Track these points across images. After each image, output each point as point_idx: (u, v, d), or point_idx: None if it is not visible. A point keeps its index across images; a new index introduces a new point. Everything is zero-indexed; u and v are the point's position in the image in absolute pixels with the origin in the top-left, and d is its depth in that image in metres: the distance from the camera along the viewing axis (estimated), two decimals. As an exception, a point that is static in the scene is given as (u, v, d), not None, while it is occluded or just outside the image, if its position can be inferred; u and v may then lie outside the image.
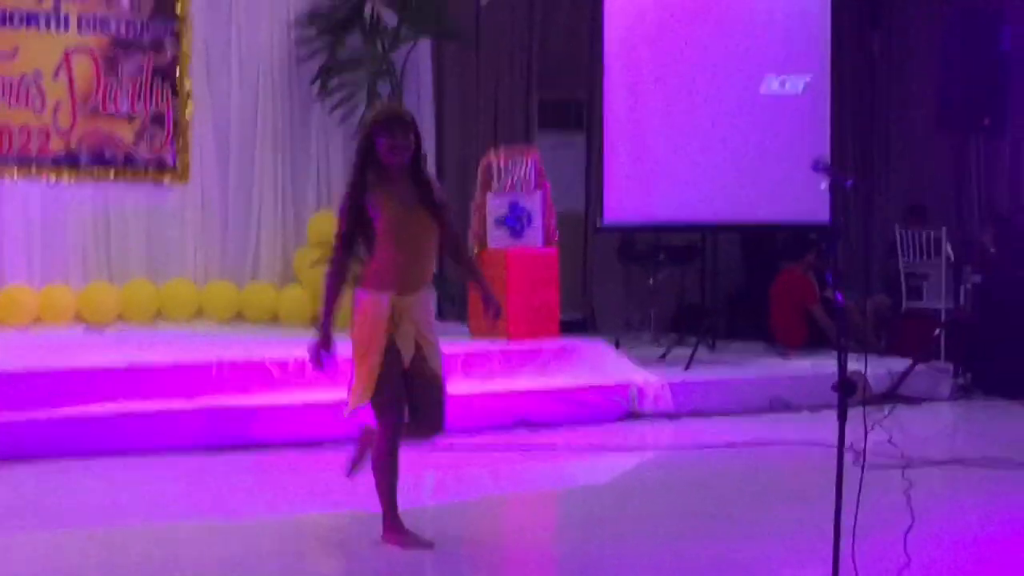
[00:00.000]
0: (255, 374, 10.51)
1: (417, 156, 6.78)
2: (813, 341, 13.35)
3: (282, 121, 13.86)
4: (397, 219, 6.70)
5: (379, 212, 6.70)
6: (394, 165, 6.70)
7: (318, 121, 13.92)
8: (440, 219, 6.81)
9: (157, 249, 13.38)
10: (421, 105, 14.22)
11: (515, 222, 12.10)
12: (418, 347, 6.77)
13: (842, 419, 5.62)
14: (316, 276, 12.88)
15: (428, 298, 6.92)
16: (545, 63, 15.43)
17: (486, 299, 7.05)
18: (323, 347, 6.86)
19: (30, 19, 12.86)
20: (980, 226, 15.24)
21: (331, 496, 8.44)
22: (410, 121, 6.76)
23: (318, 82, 13.63)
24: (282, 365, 10.60)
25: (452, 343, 11.51)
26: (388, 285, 6.73)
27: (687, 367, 12.25)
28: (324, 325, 6.87)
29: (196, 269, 13.60)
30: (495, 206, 12.10)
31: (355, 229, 6.77)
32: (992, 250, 14.08)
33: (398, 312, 6.72)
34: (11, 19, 12.79)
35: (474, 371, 11.21)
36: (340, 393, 10.28)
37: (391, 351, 6.72)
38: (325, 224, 13.27)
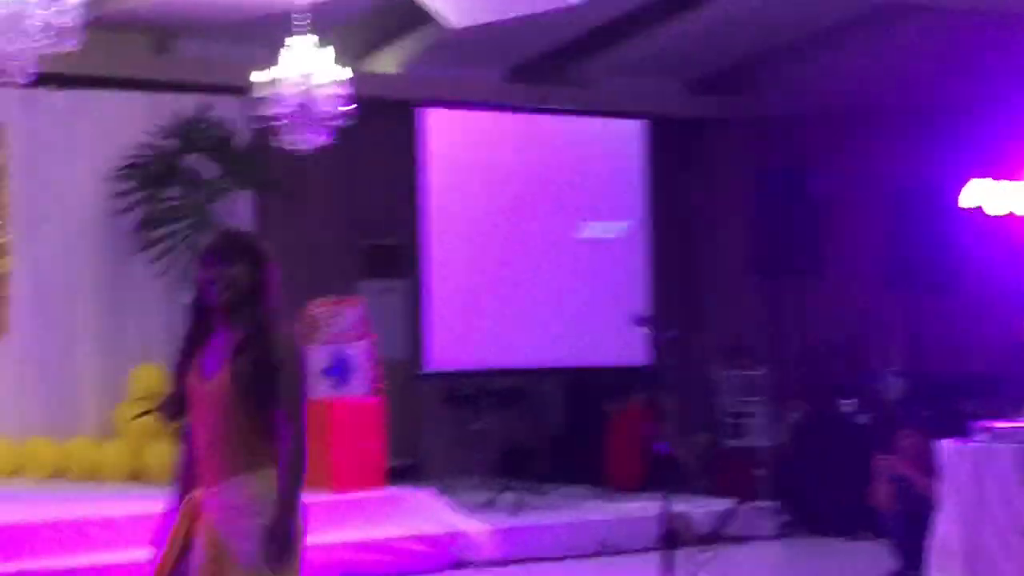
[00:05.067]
0: (74, 533, 10.31)
1: (241, 292, 5.13)
2: (649, 479, 13.41)
3: (102, 272, 13.73)
4: (197, 387, 5.17)
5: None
6: (211, 306, 5.19)
7: (139, 272, 13.78)
8: (249, 388, 5.06)
9: (-26, 406, 13.13)
10: (243, 256, 14.16)
11: (339, 372, 12.08)
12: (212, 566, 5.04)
13: (669, 571, 5.69)
14: (137, 430, 12.81)
15: (235, 491, 5.07)
16: (366, 210, 15.49)
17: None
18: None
19: None
20: (797, 365, 15.51)
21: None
22: (236, 245, 5.27)
23: (139, 234, 13.55)
24: (103, 523, 10.41)
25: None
26: (186, 479, 5.28)
27: (515, 512, 12.25)
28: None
29: (15, 424, 13.33)
30: (318, 357, 12.09)
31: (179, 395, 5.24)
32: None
33: (196, 514, 5.18)
34: None
35: (298, 524, 11.07)
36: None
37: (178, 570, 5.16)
38: (148, 377, 13.18)
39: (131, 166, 13.64)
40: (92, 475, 13.17)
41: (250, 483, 5.04)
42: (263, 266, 5.21)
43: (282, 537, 5.00)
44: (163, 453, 12.77)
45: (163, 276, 13.60)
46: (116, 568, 10.01)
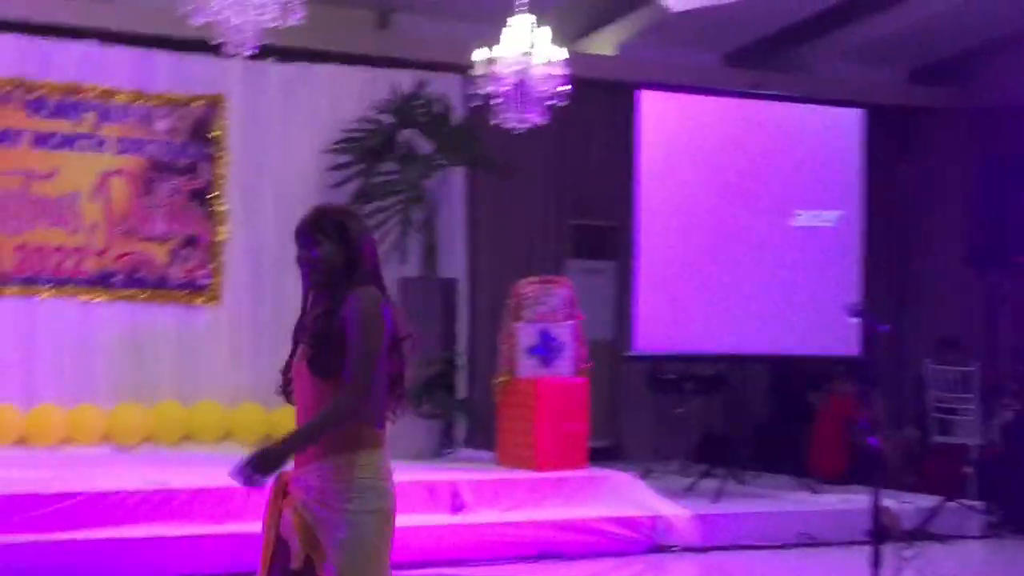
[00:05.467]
0: (282, 499, 10.43)
1: (332, 272, 4.96)
2: (852, 472, 13.24)
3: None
4: (293, 362, 5.08)
5: None
6: (306, 285, 5.10)
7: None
8: (312, 356, 4.90)
9: (187, 370, 13.39)
10: (454, 232, 14.32)
11: (545, 351, 12.10)
12: (310, 548, 4.88)
13: (876, 566, 5.58)
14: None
15: (326, 473, 4.85)
16: (578, 191, 15.51)
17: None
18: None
19: (69, 141, 13.02)
20: (1012, 362, 15.17)
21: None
22: (319, 224, 5.01)
23: (353, 207, 13.71)
24: (309, 491, 10.53)
25: (479, 471, 11.52)
26: None
27: (716, 500, 12.17)
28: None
29: (226, 391, 13.60)
30: (526, 335, 12.11)
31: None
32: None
33: (283, 490, 5.02)
34: (50, 141, 12.93)
35: (501, 500, 11.16)
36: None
37: (277, 545, 5.02)
38: (355, 349, 13.31)
39: (348, 140, 13.82)
40: (299, 443, 13.35)
41: (337, 466, 4.83)
42: (353, 243, 4.98)
43: (266, 460, 4.78)
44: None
45: (376, 249, 13.76)
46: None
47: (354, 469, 4.83)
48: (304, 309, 5.07)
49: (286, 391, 5.11)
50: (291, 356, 5.07)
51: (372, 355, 4.84)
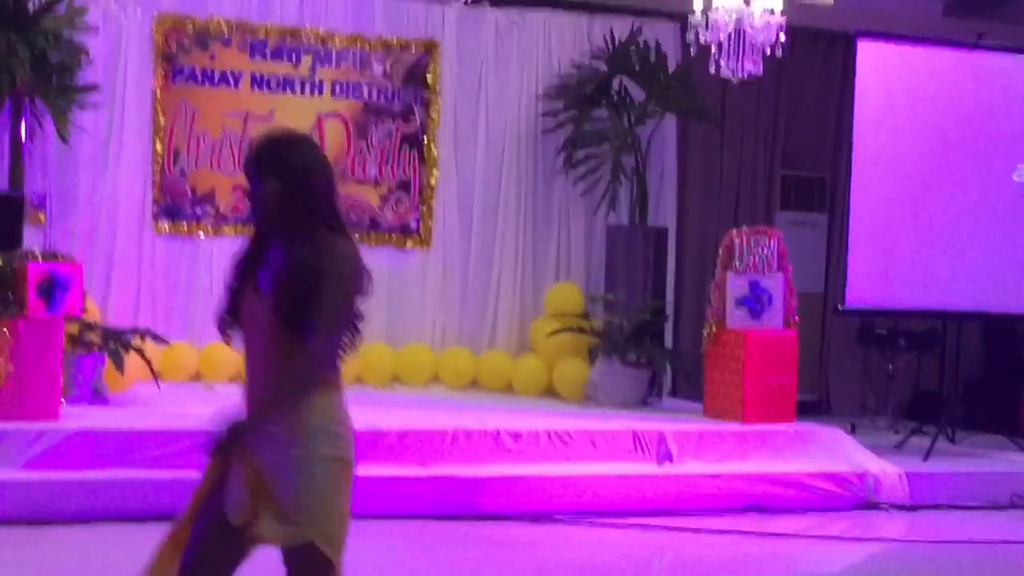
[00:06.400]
0: (488, 443, 10.54)
1: (275, 212, 4.63)
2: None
3: (525, 191, 13.95)
4: (244, 306, 4.72)
5: None
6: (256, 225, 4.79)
7: (560, 192, 14.00)
8: (282, 311, 4.54)
9: (396, 313, 13.53)
10: (664, 181, 14.25)
11: (755, 303, 11.97)
12: (253, 513, 4.60)
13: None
14: (552, 347, 13.04)
15: (279, 418, 4.57)
16: (789, 141, 15.31)
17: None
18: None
19: (286, 84, 13.20)
20: None
21: (564, 571, 8.40)
22: (263, 159, 4.63)
23: (563, 154, 13.71)
24: (515, 436, 10.62)
25: (685, 422, 11.48)
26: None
27: (926, 458, 11.98)
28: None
29: (434, 335, 13.72)
30: (735, 286, 12.00)
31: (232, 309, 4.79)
32: None
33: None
34: (268, 83, 13.13)
35: (706, 452, 11.11)
36: (576, 467, 10.42)
37: (211, 504, 4.69)
38: (563, 296, 13.39)
39: (561, 86, 13.81)
40: (506, 388, 13.46)
41: (293, 414, 4.56)
42: (299, 179, 4.61)
43: (235, 437, 4.56)
44: (576, 371, 12.98)
45: (585, 197, 13.77)
46: (526, 480, 10.20)
47: (304, 412, 4.55)
48: (249, 248, 4.74)
49: (226, 330, 4.77)
50: (232, 295, 4.73)
51: (340, 317, 4.59)
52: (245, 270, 4.71)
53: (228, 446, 4.57)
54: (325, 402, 4.61)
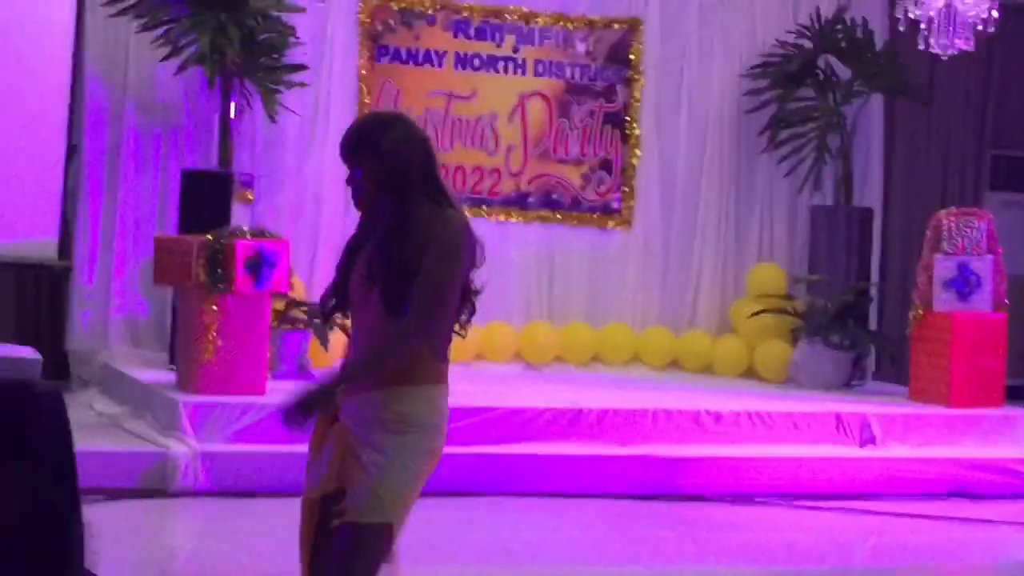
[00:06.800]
0: (688, 424, 10.50)
1: (374, 193, 4.65)
2: None
3: (727, 171, 13.83)
4: (351, 287, 4.71)
5: None
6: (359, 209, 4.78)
7: (763, 172, 13.85)
8: (380, 287, 4.54)
9: (597, 293, 13.51)
10: (870, 161, 14.02)
11: (963, 285, 11.73)
12: (341, 478, 4.62)
13: None
14: (753, 328, 12.93)
15: (379, 404, 4.56)
16: (1000, 120, 14.98)
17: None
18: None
19: (489, 63, 13.25)
20: None
21: (764, 553, 8.33)
22: (355, 144, 4.69)
23: (767, 133, 13.55)
24: (716, 416, 10.56)
25: (890, 405, 11.32)
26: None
27: None
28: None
29: (634, 314, 13.68)
30: (943, 268, 11.76)
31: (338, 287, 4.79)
32: None
33: (333, 417, 4.72)
34: (471, 63, 13.20)
35: (912, 436, 10.93)
36: (777, 448, 10.34)
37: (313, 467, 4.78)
38: (765, 276, 13.26)
39: (765, 64, 13.65)
40: (706, 368, 13.37)
41: (390, 398, 4.54)
42: (392, 157, 4.59)
43: (311, 402, 4.58)
44: (778, 352, 12.85)
45: (789, 176, 13.61)
46: (727, 461, 10.16)
47: (412, 403, 4.55)
48: (358, 231, 4.72)
49: (330, 314, 4.81)
50: (340, 278, 4.71)
51: (444, 288, 4.53)
52: (355, 251, 4.69)
53: (310, 407, 4.58)
54: (434, 395, 4.60)
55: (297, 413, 4.60)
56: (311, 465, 4.75)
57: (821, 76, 13.44)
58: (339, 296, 4.72)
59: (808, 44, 13.49)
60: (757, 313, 12.91)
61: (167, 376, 10.70)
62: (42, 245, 12.18)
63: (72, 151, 12.25)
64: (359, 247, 4.68)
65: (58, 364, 11.71)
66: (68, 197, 12.28)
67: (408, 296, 4.48)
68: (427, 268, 4.48)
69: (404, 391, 4.54)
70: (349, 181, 4.68)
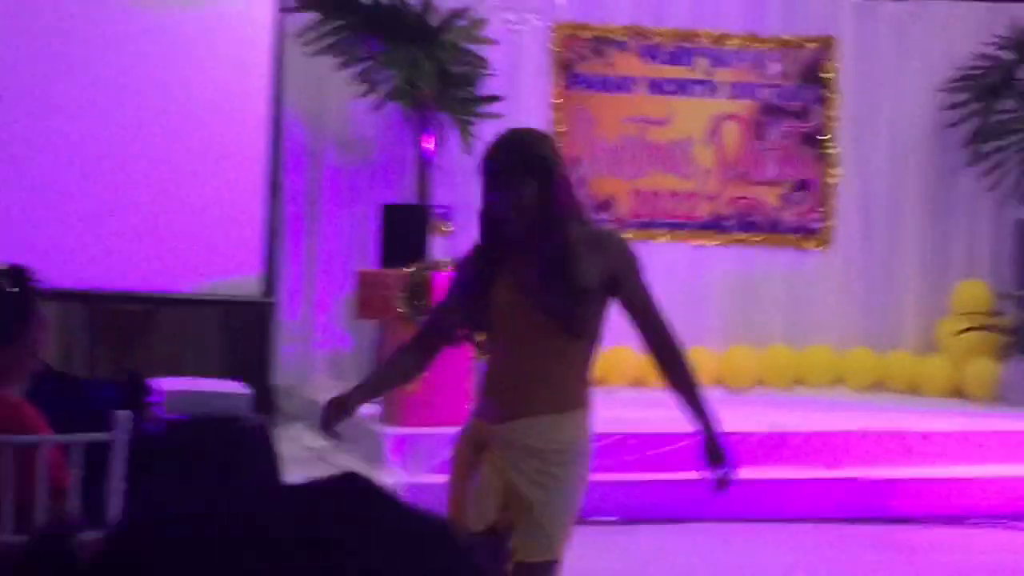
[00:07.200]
0: (896, 445, 10.34)
1: (544, 214, 4.44)
2: None
3: (930, 185, 13.62)
4: (500, 309, 4.52)
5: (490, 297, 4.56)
6: (505, 229, 4.57)
7: (965, 188, 13.60)
8: (558, 311, 4.38)
9: (797, 314, 13.39)
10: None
11: None
12: (508, 508, 4.42)
13: None
14: (959, 346, 12.69)
15: (549, 431, 4.43)
16: None
17: (705, 439, 4.72)
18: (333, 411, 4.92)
19: (683, 87, 13.22)
20: None
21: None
22: (517, 156, 4.48)
23: (968, 148, 13.31)
24: (924, 437, 10.40)
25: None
26: (481, 404, 4.74)
27: None
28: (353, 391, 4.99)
29: (836, 335, 13.51)
30: None
31: (454, 308, 4.74)
32: None
33: (481, 445, 4.55)
34: (664, 87, 13.19)
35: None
36: (987, 468, 10.13)
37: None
38: (971, 293, 13.02)
39: (963, 78, 13.41)
40: (911, 388, 13.16)
41: (558, 424, 4.43)
42: (551, 175, 4.43)
43: (720, 447, 4.71)
44: (985, 370, 12.61)
45: (993, 191, 13.35)
46: (936, 482, 9.98)
47: (573, 429, 4.46)
48: (483, 254, 4.60)
49: (457, 336, 4.77)
50: (470, 301, 4.60)
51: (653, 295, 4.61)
52: (485, 275, 4.57)
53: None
54: (588, 421, 4.55)
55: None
56: (456, 498, 4.58)
57: (1022, 87, 13.17)
58: (475, 322, 4.65)
59: (1009, 55, 13.22)
60: (964, 331, 12.66)
61: (372, 409, 10.81)
62: (246, 282, 12.40)
63: (274, 189, 12.49)
64: (489, 270, 4.56)
65: (264, 399, 11.92)
66: (271, 234, 12.51)
67: (587, 316, 4.44)
68: (638, 284, 4.60)
69: (568, 417, 4.47)
70: (498, 203, 4.53)
